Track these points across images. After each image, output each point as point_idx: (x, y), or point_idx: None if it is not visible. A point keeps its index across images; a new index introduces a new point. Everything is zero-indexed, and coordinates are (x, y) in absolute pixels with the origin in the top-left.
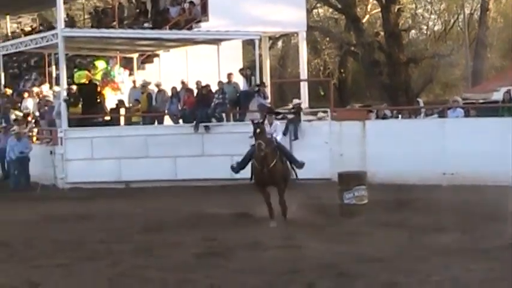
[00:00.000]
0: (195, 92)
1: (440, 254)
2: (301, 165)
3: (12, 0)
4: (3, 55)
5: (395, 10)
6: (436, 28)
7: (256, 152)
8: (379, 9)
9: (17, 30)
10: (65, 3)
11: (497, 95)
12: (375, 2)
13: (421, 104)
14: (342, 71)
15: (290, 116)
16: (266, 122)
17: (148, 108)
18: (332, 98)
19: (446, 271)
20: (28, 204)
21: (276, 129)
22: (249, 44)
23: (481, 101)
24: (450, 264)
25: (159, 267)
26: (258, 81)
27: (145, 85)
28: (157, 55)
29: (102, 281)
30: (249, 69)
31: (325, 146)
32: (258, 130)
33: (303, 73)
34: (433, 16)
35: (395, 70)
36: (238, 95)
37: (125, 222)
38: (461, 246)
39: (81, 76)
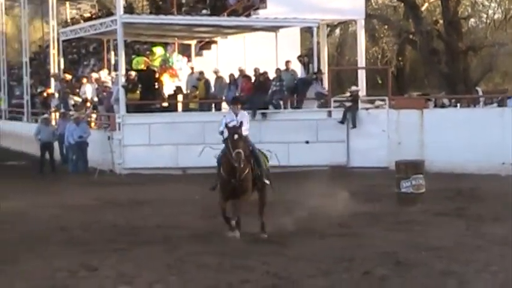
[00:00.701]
0: (253, 79)
1: (497, 244)
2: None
3: None
4: (63, 41)
5: None
6: (496, 16)
7: (234, 162)
8: None
9: (77, 17)
10: None
11: None
12: None
13: (480, 93)
14: (400, 59)
15: (348, 104)
16: (231, 113)
17: (205, 95)
18: (390, 87)
19: (503, 261)
20: (86, 189)
21: (243, 120)
22: (306, 32)
23: None
24: (507, 254)
25: (215, 253)
26: (315, 69)
27: (216, 72)
28: (215, 42)
29: (159, 266)
30: (306, 57)
31: (382, 135)
32: (235, 136)
33: (361, 61)
34: (493, 4)
35: (454, 58)
36: (295, 82)
37: (182, 208)
38: None
39: (139, 62)
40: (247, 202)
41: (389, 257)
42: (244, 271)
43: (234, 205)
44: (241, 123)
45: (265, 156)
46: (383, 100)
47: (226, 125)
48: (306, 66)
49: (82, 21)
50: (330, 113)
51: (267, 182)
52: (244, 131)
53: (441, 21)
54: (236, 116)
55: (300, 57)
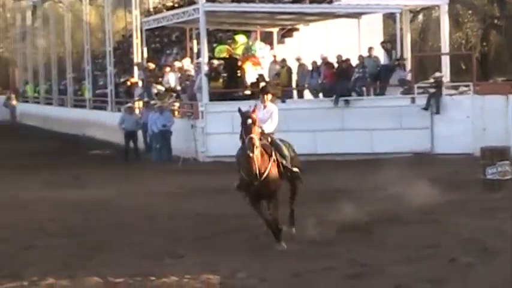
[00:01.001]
0: (335, 66)
1: None
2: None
3: None
4: (146, 30)
5: None
6: None
7: (247, 150)
8: None
9: (159, 6)
10: None
11: None
12: None
13: None
14: (485, 44)
15: (431, 90)
16: (259, 104)
17: (288, 82)
18: (474, 72)
19: None
20: (170, 177)
21: (272, 116)
22: (389, 18)
23: None
24: None
25: (299, 241)
26: (398, 55)
27: (298, 59)
28: (297, 29)
29: (243, 254)
30: (389, 43)
31: (467, 121)
32: (248, 121)
33: (444, 47)
34: None
35: None
36: (378, 69)
37: None
38: None
39: (221, 50)
40: (277, 206)
41: (475, 244)
42: (329, 258)
43: (267, 209)
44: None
45: (289, 145)
46: (467, 86)
47: (239, 110)
48: (388, 52)
49: (164, 10)
50: (413, 100)
51: (296, 170)
52: (269, 126)
53: None
54: (264, 108)
55: (383, 44)
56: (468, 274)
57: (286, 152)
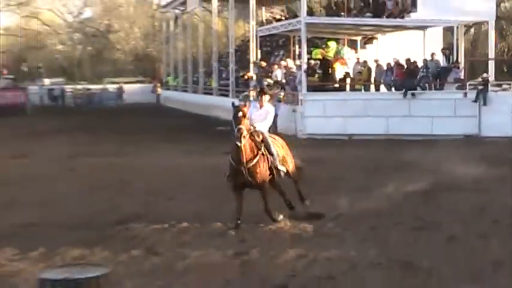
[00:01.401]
0: (405, 66)
1: None
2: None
3: None
4: (260, 36)
5: None
6: None
7: (235, 140)
8: None
9: (270, 18)
10: None
11: None
12: None
13: None
14: None
15: (480, 87)
16: (257, 103)
17: (368, 78)
18: None
19: None
20: None
21: (267, 116)
22: (448, 30)
23: None
24: None
25: (377, 201)
26: (454, 59)
27: (376, 61)
28: (376, 38)
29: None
30: (448, 50)
31: (508, 111)
32: (239, 113)
33: (491, 53)
34: None
35: None
36: (438, 69)
37: (348, 164)
38: None
39: (317, 53)
40: (265, 192)
41: None
42: (398, 216)
43: (239, 198)
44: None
45: (281, 145)
46: (509, 84)
47: (232, 104)
48: (447, 57)
49: (274, 21)
50: (465, 94)
51: (281, 167)
52: (263, 125)
53: None
54: (261, 108)
55: (443, 50)
56: (509, 233)
57: (274, 150)
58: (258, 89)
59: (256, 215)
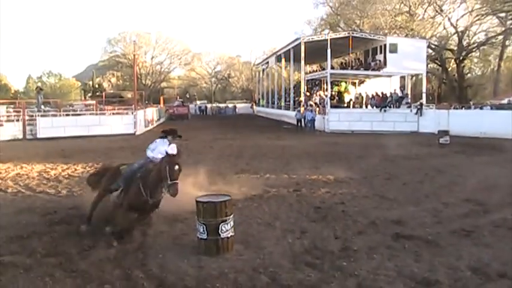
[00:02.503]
0: (381, 96)
1: None
2: None
3: (310, 59)
4: (306, 79)
5: None
6: None
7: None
8: None
9: (311, 70)
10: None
11: None
12: None
13: None
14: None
15: (418, 107)
16: (167, 141)
17: (362, 101)
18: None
19: None
20: (316, 137)
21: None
22: (402, 77)
23: None
24: None
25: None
26: (405, 93)
27: (366, 92)
28: (365, 81)
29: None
30: (402, 87)
31: (432, 119)
32: (176, 167)
33: (423, 90)
34: None
35: None
36: (397, 98)
37: (352, 145)
38: None
39: (335, 88)
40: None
41: None
42: (377, 172)
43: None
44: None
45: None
46: (430, 106)
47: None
48: (402, 91)
49: (313, 72)
50: (411, 110)
51: None
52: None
53: None
54: (169, 144)
55: (400, 88)
56: (432, 179)
57: None
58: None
59: (307, 170)
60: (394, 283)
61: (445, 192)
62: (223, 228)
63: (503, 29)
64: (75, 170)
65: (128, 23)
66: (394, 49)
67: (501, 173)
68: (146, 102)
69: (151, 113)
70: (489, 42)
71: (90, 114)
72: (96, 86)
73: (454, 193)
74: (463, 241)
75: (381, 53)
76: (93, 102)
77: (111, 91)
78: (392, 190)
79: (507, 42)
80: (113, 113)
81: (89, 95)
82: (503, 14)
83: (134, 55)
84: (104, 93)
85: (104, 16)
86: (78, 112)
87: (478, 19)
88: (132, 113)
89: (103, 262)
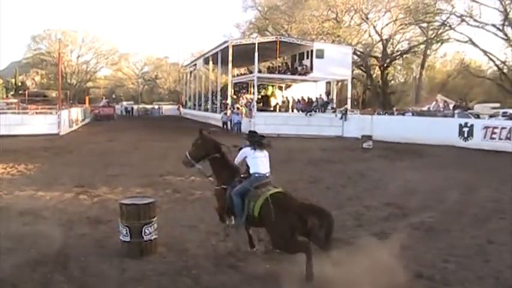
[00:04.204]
0: (306, 100)
1: None
2: None
3: (238, 62)
4: (234, 82)
5: None
6: None
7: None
8: None
9: (238, 73)
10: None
11: None
12: None
13: None
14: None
15: (343, 112)
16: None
17: (287, 106)
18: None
19: None
20: (239, 140)
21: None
22: (328, 82)
23: None
24: None
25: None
26: (331, 98)
27: (293, 97)
28: (292, 85)
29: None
30: (328, 93)
31: (355, 124)
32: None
33: (348, 95)
34: None
35: None
36: (323, 103)
37: (276, 149)
38: None
39: (262, 92)
40: None
41: None
42: (304, 175)
43: None
44: None
45: None
46: (355, 111)
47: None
48: (327, 96)
49: (241, 75)
50: (336, 115)
51: None
52: None
53: None
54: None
55: (326, 93)
56: (354, 182)
57: None
58: None
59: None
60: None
61: (367, 195)
62: (146, 230)
63: (424, 38)
64: None
65: (54, 20)
66: (320, 55)
67: (420, 178)
68: (71, 101)
69: (76, 113)
70: (412, 51)
71: (12, 113)
72: (19, 84)
73: (376, 197)
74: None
75: (307, 58)
76: (16, 100)
77: (35, 89)
78: (316, 194)
79: (428, 52)
80: (36, 112)
81: (11, 93)
82: (425, 25)
83: (59, 53)
84: (27, 92)
85: (28, 12)
86: None
87: (402, 28)
88: (56, 113)
89: (21, 266)
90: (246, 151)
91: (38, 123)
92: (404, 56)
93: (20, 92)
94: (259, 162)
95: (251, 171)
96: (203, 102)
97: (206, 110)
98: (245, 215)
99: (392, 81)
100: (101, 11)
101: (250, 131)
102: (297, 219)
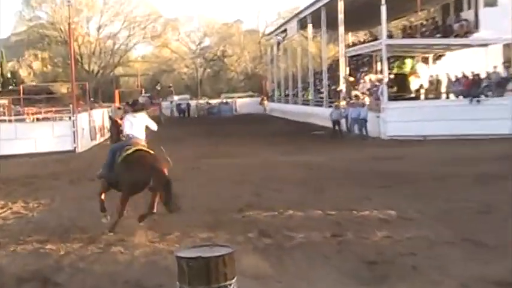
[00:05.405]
0: (471, 77)
1: None
2: None
3: (354, 23)
4: (348, 56)
5: None
6: None
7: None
8: None
9: (355, 41)
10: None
11: None
12: None
13: None
14: None
15: None
16: (130, 115)
17: (438, 88)
18: None
19: None
20: (361, 149)
21: (148, 121)
22: (507, 46)
23: None
24: None
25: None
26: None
27: (447, 74)
28: (444, 55)
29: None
30: (507, 63)
31: None
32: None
33: None
34: None
35: None
36: (500, 80)
37: (422, 162)
38: None
39: (396, 69)
40: None
41: None
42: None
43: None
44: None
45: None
46: None
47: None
48: (507, 69)
49: (359, 43)
50: None
51: None
52: (153, 127)
53: None
54: (134, 118)
55: (504, 63)
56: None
57: None
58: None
59: (351, 203)
60: None
61: None
62: None
63: None
64: None
65: None
66: (492, 1)
67: None
68: (92, 99)
69: (100, 116)
70: None
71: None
72: (8, 75)
73: None
74: None
75: (469, 8)
76: (5, 101)
77: (34, 83)
78: (491, 231)
79: None
80: (38, 119)
81: None
82: None
83: (69, 24)
84: (21, 87)
85: None
86: None
87: None
88: (70, 118)
89: None
90: (126, 117)
91: (41, 135)
92: None
93: (11, 87)
94: (131, 124)
95: (124, 133)
96: (300, 90)
97: (307, 102)
98: (110, 163)
99: None
100: None
101: (127, 102)
102: (143, 175)
